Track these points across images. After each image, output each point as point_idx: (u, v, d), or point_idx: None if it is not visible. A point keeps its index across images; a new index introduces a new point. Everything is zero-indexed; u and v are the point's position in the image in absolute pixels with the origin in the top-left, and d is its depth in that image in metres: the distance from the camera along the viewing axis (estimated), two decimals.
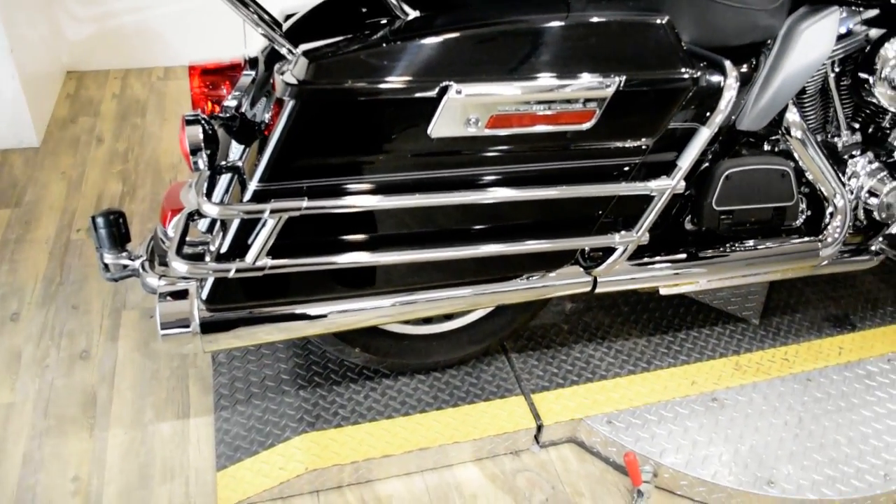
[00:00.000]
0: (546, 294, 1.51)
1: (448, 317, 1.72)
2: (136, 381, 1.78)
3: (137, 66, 3.47)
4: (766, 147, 1.66)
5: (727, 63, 1.37)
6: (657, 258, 1.61)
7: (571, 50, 1.24)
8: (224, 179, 1.40)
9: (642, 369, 1.83)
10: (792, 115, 1.65)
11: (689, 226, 1.62)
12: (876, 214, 1.75)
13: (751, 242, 1.68)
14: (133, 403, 1.72)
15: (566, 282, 1.51)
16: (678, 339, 1.92)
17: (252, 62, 1.53)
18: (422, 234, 1.32)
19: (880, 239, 1.76)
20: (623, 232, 1.46)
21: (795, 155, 1.68)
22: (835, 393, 1.82)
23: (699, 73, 1.33)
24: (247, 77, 1.51)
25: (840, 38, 1.64)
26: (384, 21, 1.30)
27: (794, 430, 1.71)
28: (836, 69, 1.68)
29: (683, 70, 1.31)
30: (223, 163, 1.35)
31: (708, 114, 1.41)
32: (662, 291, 1.65)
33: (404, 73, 1.16)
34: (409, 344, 1.71)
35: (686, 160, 1.39)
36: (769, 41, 1.56)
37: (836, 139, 1.75)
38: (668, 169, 1.43)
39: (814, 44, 1.55)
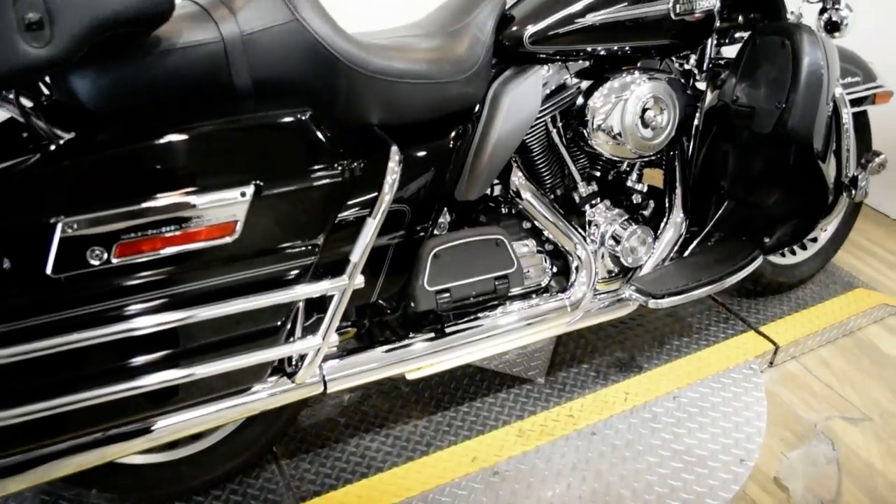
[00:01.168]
0: (255, 409, 1.40)
1: (196, 437, 1.59)
2: None
3: None
4: (488, 214, 1.65)
5: (393, 147, 1.32)
6: (397, 343, 1.55)
7: (199, 162, 1.15)
8: None
9: (421, 453, 1.74)
10: (517, 178, 1.64)
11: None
12: (623, 260, 1.76)
13: (498, 311, 1.65)
14: None
15: (274, 392, 1.41)
16: (460, 413, 1.86)
17: None
18: (88, 374, 1.19)
19: (629, 285, 1.76)
20: (309, 336, 1.37)
21: (529, 215, 1.67)
22: (620, 443, 1.79)
23: (355, 164, 1.27)
24: None
25: (553, 93, 1.66)
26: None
27: (577, 492, 1.66)
28: (559, 123, 1.69)
29: (333, 164, 1.25)
30: None
31: (368, 207, 1.33)
32: (409, 377, 1.58)
33: (13, 210, 1.05)
34: (155, 473, 1.56)
35: (357, 254, 1.32)
36: (476, 108, 1.54)
37: (572, 192, 1.75)
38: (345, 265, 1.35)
39: (520, 105, 1.56)
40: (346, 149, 1.26)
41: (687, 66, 1.84)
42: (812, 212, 1.74)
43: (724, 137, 1.83)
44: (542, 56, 1.57)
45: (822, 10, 1.84)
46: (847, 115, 1.79)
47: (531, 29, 1.52)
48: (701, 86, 1.86)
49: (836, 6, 1.81)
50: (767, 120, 1.64)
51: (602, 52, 1.59)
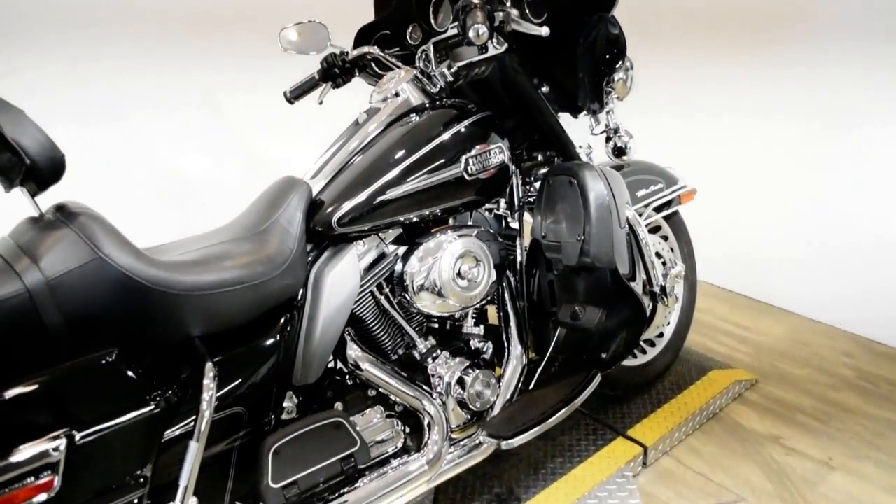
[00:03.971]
0: None
1: None
2: None
3: None
4: (334, 390, 1.68)
5: (208, 364, 1.34)
6: None
7: (6, 423, 1.14)
8: None
9: None
10: (353, 350, 1.69)
11: None
12: (471, 406, 1.82)
13: (358, 485, 1.65)
14: None
15: None
16: None
17: None
18: None
19: (482, 430, 1.82)
20: None
21: (372, 384, 1.71)
22: None
23: (170, 391, 1.29)
24: None
25: (373, 264, 1.74)
26: None
27: None
28: (385, 290, 1.77)
29: (146, 397, 1.25)
30: None
31: (193, 424, 1.34)
32: None
33: None
34: None
35: (185, 479, 1.32)
36: (299, 294, 1.60)
37: (412, 350, 1.81)
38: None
39: (340, 284, 1.62)
40: (159, 378, 1.27)
41: (499, 211, 1.99)
42: (634, 325, 1.88)
43: (546, 268, 1.97)
44: (354, 234, 1.66)
45: (608, 139, 2.05)
46: (643, 232, 1.98)
47: (338, 213, 1.61)
48: (516, 225, 2.00)
49: (619, 134, 2.03)
50: (572, 252, 1.78)
51: (411, 220, 1.70)
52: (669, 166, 2.49)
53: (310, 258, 1.64)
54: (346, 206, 1.63)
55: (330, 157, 1.77)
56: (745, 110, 3.19)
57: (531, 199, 2.08)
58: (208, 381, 1.32)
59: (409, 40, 2.21)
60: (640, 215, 2.30)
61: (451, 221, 1.84)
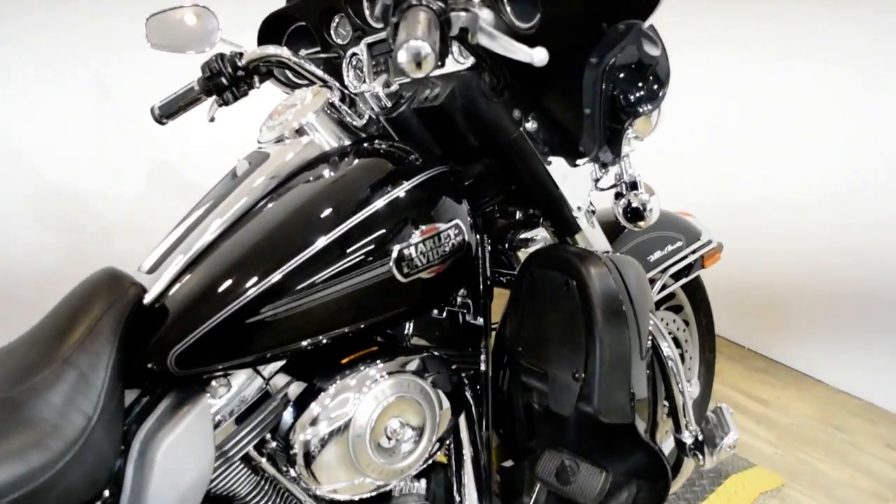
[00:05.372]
0: None
1: None
2: None
3: None
4: None
5: None
6: None
7: None
8: None
9: None
10: None
11: None
12: None
13: None
14: None
15: None
16: None
17: None
18: None
19: None
20: None
21: None
22: None
23: None
24: None
25: (247, 414, 1.10)
26: None
27: None
28: (270, 446, 1.12)
29: None
30: None
31: None
32: None
33: None
34: None
35: None
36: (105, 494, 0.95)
37: None
38: None
39: (183, 461, 0.99)
40: None
41: (452, 307, 1.34)
42: (653, 492, 1.25)
43: (522, 385, 1.32)
44: (210, 374, 1.01)
45: (618, 195, 1.40)
46: (667, 347, 1.33)
47: (183, 343, 0.96)
48: (479, 320, 1.35)
49: (636, 191, 1.37)
50: (566, 396, 1.14)
51: (306, 346, 1.05)
52: (688, 214, 1.85)
53: (131, 416, 0.99)
54: (196, 330, 0.97)
55: (181, 237, 1.10)
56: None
57: (503, 278, 1.44)
58: None
59: (333, 37, 1.53)
60: (652, 284, 1.67)
61: (374, 339, 1.19)
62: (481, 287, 1.33)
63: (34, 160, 2.54)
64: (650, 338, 1.25)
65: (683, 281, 1.78)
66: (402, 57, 0.82)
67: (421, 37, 0.81)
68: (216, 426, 1.06)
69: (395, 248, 1.06)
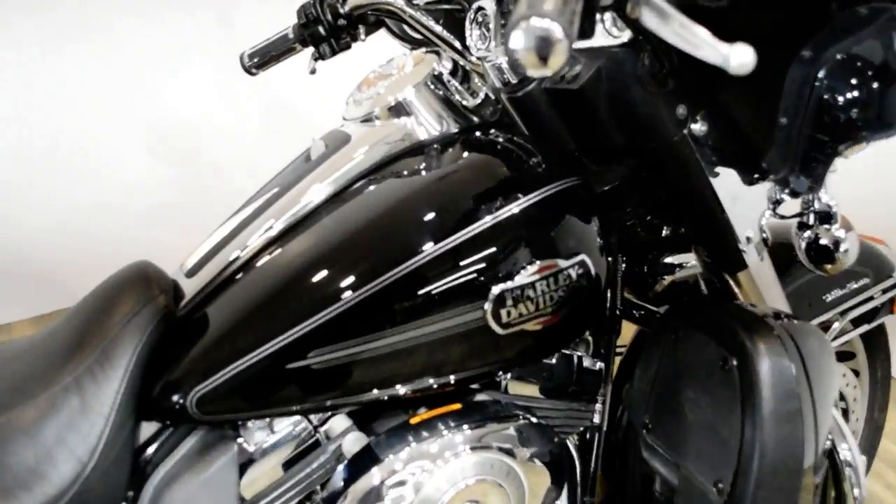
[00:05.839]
0: None
1: None
2: None
3: None
4: None
5: None
6: None
7: None
8: None
9: None
10: None
11: None
12: None
13: None
14: None
15: None
16: None
17: None
18: None
19: None
20: None
21: None
22: None
23: None
24: None
25: (291, 463, 0.88)
26: None
27: None
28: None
29: None
30: None
31: None
32: None
33: None
34: None
35: None
36: None
37: None
38: None
39: None
40: None
41: (567, 350, 1.05)
42: None
43: (640, 462, 1.03)
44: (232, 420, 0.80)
45: (802, 226, 1.04)
46: (849, 452, 0.98)
47: (199, 387, 0.75)
48: (598, 364, 1.06)
49: (829, 225, 1.01)
50: None
51: (372, 398, 0.81)
52: (879, 241, 1.44)
53: (146, 454, 0.80)
54: (226, 368, 0.76)
55: (233, 232, 0.88)
56: None
57: (636, 311, 1.15)
58: None
59: None
60: (826, 329, 1.32)
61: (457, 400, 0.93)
62: (607, 320, 1.03)
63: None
64: (829, 439, 0.92)
65: (865, 328, 1.40)
66: (518, 41, 0.52)
67: (551, 13, 0.51)
68: (252, 476, 0.86)
69: (496, 289, 0.79)
